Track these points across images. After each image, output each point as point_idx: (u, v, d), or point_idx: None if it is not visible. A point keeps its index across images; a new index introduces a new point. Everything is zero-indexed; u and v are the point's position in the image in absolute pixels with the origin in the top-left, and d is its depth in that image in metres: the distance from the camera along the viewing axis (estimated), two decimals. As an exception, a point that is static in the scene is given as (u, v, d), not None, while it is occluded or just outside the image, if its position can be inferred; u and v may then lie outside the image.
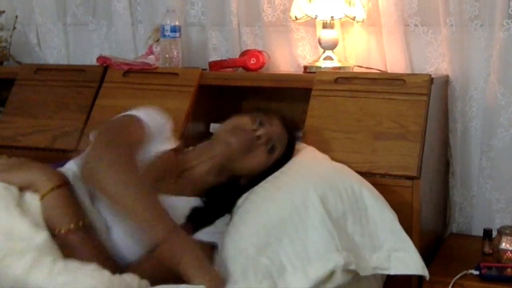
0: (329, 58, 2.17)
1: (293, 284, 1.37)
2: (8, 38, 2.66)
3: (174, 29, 2.21)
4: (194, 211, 1.55)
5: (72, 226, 1.36)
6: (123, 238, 1.42)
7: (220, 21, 2.42)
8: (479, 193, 2.13)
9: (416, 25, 2.19)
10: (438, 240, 2.09)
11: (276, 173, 1.62)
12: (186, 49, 2.39)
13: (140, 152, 1.53)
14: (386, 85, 1.89)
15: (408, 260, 1.51)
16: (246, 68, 2.23)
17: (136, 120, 1.57)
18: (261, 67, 2.24)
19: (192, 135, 2.05)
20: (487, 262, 1.78)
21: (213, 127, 2.13)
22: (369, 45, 2.26)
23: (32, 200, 1.38)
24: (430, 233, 1.95)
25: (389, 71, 2.19)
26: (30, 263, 1.22)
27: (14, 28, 2.68)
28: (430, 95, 1.84)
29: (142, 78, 2.17)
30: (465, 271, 1.75)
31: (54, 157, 1.94)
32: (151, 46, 2.35)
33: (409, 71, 2.18)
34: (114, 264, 1.37)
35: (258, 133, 1.65)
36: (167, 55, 2.22)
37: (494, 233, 1.89)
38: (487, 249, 1.90)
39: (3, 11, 2.69)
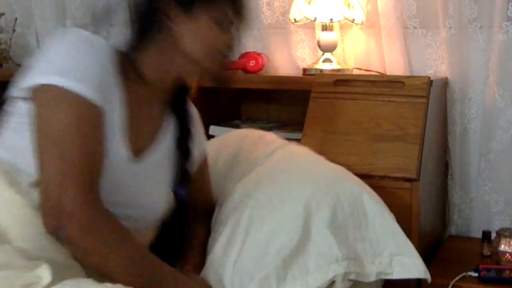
0: (328, 60, 2.17)
1: None
2: (7, 40, 2.66)
3: (173, 32, 2.21)
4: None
5: None
6: None
7: (219, 23, 2.42)
8: (478, 195, 2.13)
9: (415, 28, 2.19)
10: (437, 242, 2.09)
11: (273, 178, 1.55)
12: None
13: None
14: (385, 87, 1.89)
15: (410, 264, 1.49)
16: (246, 70, 2.22)
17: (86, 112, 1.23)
18: (260, 69, 2.24)
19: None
20: (486, 264, 1.79)
21: (213, 129, 2.13)
22: (368, 47, 2.27)
23: None
24: (429, 235, 1.95)
25: (388, 73, 2.19)
26: None
27: (14, 30, 2.69)
28: (429, 97, 1.83)
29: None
30: (464, 273, 1.75)
31: None
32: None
33: (408, 74, 2.18)
34: None
35: None
36: (167, 57, 2.22)
37: (493, 235, 1.90)
38: (486, 251, 1.90)
39: (3, 14, 2.69)
